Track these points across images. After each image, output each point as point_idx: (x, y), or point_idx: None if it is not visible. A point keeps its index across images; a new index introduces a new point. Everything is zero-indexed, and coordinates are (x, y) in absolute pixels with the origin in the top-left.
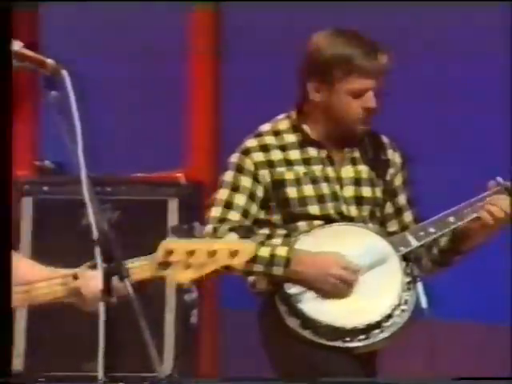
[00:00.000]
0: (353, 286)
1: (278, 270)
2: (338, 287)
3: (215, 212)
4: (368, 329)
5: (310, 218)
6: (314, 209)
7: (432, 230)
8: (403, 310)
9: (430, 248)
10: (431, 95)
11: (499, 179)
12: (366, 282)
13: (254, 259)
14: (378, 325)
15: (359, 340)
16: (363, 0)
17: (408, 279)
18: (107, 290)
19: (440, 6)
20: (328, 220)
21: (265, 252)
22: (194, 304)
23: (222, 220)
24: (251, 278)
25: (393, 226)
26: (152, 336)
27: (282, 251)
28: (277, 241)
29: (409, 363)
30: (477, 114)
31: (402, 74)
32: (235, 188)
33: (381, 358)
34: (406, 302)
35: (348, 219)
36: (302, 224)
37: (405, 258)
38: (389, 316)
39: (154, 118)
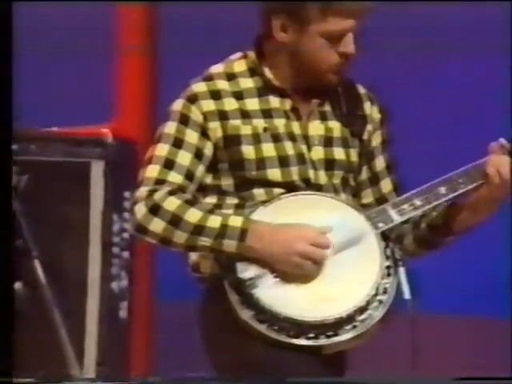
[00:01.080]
0: (321, 268)
1: (229, 245)
2: (303, 269)
3: (151, 172)
4: (338, 323)
5: (270, 184)
6: (274, 173)
7: (418, 202)
8: (381, 302)
9: (416, 225)
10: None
11: (502, 140)
12: (336, 265)
13: (200, 230)
14: (349, 319)
15: (327, 337)
16: None
17: (388, 263)
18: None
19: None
20: (291, 188)
21: (214, 222)
22: (123, 294)
23: (160, 182)
24: (193, 258)
25: (368, 197)
26: (69, 333)
27: (236, 221)
28: (229, 211)
29: (387, 364)
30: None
31: None
32: (178, 143)
33: (354, 358)
34: (384, 292)
35: (316, 187)
36: (258, 192)
37: (384, 236)
38: (363, 308)
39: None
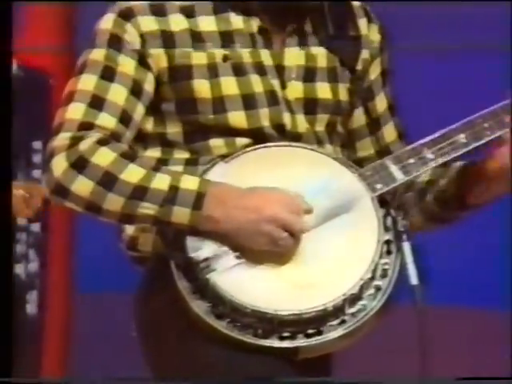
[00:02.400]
0: (299, 245)
1: (181, 215)
2: (277, 244)
3: (73, 113)
4: (321, 318)
5: (231, 133)
6: (237, 118)
7: (430, 155)
8: (378, 288)
9: (422, 196)
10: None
11: None
12: (319, 240)
13: (141, 194)
14: (337, 311)
15: (307, 336)
16: None
17: (388, 237)
18: None
19: None
20: (260, 138)
21: (161, 182)
22: (32, 282)
23: (86, 126)
24: (130, 232)
25: (365, 149)
26: None
27: (189, 183)
28: (177, 168)
29: (392, 364)
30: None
31: None
32: (108, 74)
33: (344, 357)
34: (383, 275)
35: (292, 137)
36: (216, 143)
37: (384, 202)
38: (356, 297)
39: None
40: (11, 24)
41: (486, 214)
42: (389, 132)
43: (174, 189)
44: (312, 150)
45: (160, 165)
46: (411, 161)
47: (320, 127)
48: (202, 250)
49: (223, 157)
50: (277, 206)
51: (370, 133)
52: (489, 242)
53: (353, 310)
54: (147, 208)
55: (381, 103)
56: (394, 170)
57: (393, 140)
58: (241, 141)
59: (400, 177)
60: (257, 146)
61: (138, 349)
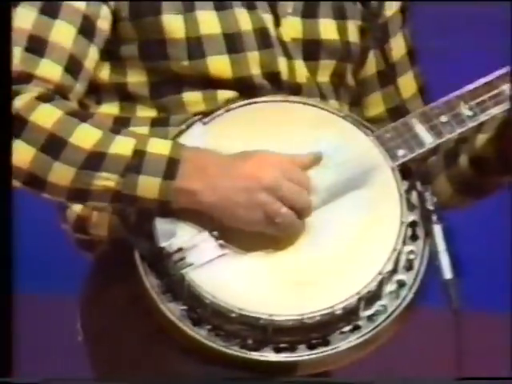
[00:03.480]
0: (302, 228)
1: (148, 187)
2: (275, 223)
3: None
4: (328, 323)
5: (212, 84)
6: (219, 64)
7: (467, 111)
8: (402, 284)
9: (452, 158)
10: None
11: None
12: (326, 223)
13: (97, 162)
14: (348, 315)
15: (310, 346)
16: None
17: (413, 217)
18: None
19: None
20: (248, 90)
21: (122, 146)
22: None
23: (23, 78)
24: (77, 209)
25: (378, 105)
26: None
27: (158, 146)
28: (142, 130)
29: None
30: None
31: None
32: (51, 8)
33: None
34: (408, 267)
35: (289, 89)
36: (192, 97)
37: (407, 173)
38: (373, 296)
39: None
40: (11, 24)
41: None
42: (406, 84)
43: (139, 154)
44: (314, 105)
45: (120, 125)
46: (443, 119)
47: (324, 77)
48: (175, 236)
49: (201, 115)
50: (275, 172)
51: (381, 85)
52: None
53: (369, 312)
54: (105, 179)
55: (398, 47)
56: (421, 130)
57: (411, 95)
58: (223, 94)
59: (428, 140)
60: (244, 102)
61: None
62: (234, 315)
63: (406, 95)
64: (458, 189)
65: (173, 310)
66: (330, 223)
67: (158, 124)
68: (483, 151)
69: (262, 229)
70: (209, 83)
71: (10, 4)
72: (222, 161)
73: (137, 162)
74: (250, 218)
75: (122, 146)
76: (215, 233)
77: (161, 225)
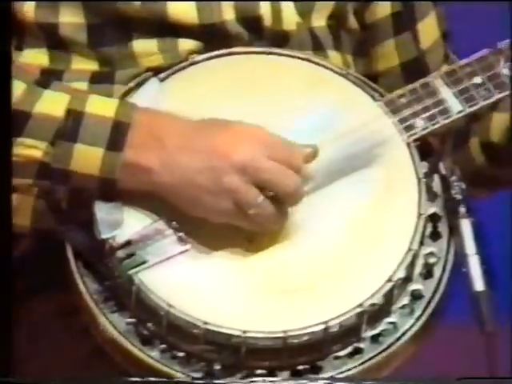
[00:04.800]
0: (288, 220)
1: (86, 159)
2: (248, 216)
3: None
4: (320, 344)
5: (172, 30)
6: (181, 6)
7: (509, 71)
8: (418, 297)
9: (463, 133)
10: None
11: None
12: (321, 214)
13: (18, 124)
14: (347, 333)
15: (295, 373)
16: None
17: (434, 209)
18: None
19: None
20: (219, 39)
21: (50, 104)
22: None
23: None
24: None
25: (386, 59)
26: None
27: (100, 105)
28: (81, 86)
29: None
30: None
31: None
32: None
33: None
34: (427, 274)
35: (274, 38)
36: (145, 47)
37: (428, 151)
38: (380, 310)
39: None
40: (11, 24)
41: None
42: (427, 31)
43: (74, 115)
44: (307, 60)
45: (49, 77)
46: (476, 80)
47: (319, 20)
48: (121, 226)
49: (156, 70)
50: (253, 148)
51: (395, 31)
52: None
53: (374, 331)
54: (28, 147)
55: None
56: (447, 95)
57: (433, 44)
58: (186, 44)
59: (457, 108)
60: (214, 53)
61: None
62: (196, 331)
63: (427, 44)
64: (467, 177)
65: (116, 324)
66: (324, 214)
67: (100, 80)
68: (499, 136)
69: (231, 221)
70: (168, 29)
71: (10, 4)
72: (184, 129)
73: (71, 126)
74: (217, 207)
75: (52, 103)
76: (174, 223)
77: (102, 211)
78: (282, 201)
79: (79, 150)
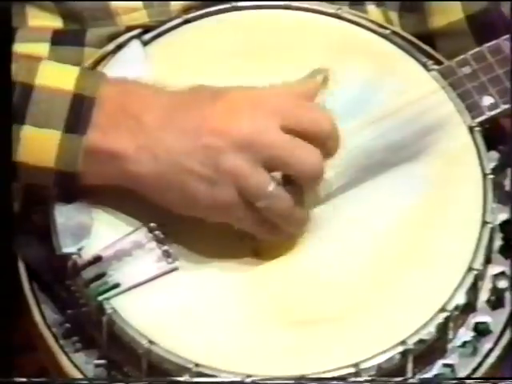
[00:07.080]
0: (307, 225)
1: (38, 146)
2: (269, 211)
3: None
4: None
5: None
6: None
7: None
8: (483, 331)
9: None
10: None
11: None
12: (351, 216)
13: None
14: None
15: None
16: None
17: (504, 215)
18: None
19: None
20: None
21: None
22: None
23: None
24: None
25: (453, 9)
26: None
27: (54, 76)
28: (41, 48)
29: None
30: None
31: None
32: None
33: None
34: (495, 302)
35: None
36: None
37: (496, 138)
38: (430, 348)
39: None
40: (11, 24)
41: None
42: None
43: (20, 89)
44: (336, 16)
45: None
46: None
47: None
48: (88, 236)
49: (139, 29)
50: (255, 118)
51: None
52: None
53: (424, 375)
54: None
55: None
56: None
57: None
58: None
59: None
60: (213, 8)
61: None
62: (186, 376)
63: None
64: None
65: (81, 366)
66: (357, 221)
67: (66, 41)
68: None
69: (233, 219)
70: None
71: (10, 4)
72: (165, 103)
73: (17, 104)
74: (214, 199)
75: None
76: (157, 232)
77: (63, 216)
78: (302, 190)
79: (28, 135)
